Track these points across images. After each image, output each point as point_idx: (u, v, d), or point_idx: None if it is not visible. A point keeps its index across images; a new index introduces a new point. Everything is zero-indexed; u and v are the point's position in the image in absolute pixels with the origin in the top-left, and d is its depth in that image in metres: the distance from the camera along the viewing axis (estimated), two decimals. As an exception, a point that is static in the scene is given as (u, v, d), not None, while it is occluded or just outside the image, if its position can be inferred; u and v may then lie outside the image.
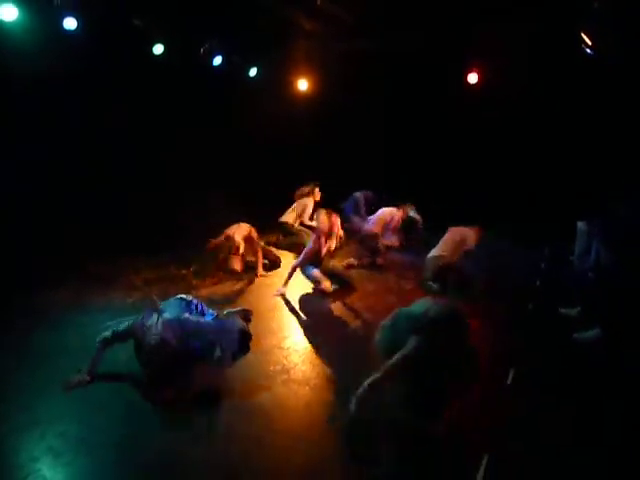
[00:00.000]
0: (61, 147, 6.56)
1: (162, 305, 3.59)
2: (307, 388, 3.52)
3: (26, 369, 3.58)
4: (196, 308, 3.62)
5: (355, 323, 4.76)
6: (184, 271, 5.97)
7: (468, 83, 7.99)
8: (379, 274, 6.35)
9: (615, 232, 4.69)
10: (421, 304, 3.09)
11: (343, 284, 5.76)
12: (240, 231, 6.06)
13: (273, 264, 6.45)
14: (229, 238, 5.98)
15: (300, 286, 5.82)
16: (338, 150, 9.01)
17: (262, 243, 6.51)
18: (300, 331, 4.55)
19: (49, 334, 4.11)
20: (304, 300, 5.34)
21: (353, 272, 6.25)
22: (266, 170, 8.64)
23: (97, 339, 3.48)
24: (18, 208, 6.15)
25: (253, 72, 8.90)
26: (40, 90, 6.24)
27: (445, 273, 5.24)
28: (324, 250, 5.73)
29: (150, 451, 2.82)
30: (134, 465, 2.73)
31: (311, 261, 5.65)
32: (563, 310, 5.08)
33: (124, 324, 3.48)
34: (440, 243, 5.86)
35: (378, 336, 3.16)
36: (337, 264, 6.14)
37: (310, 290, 5.62)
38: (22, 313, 4.54)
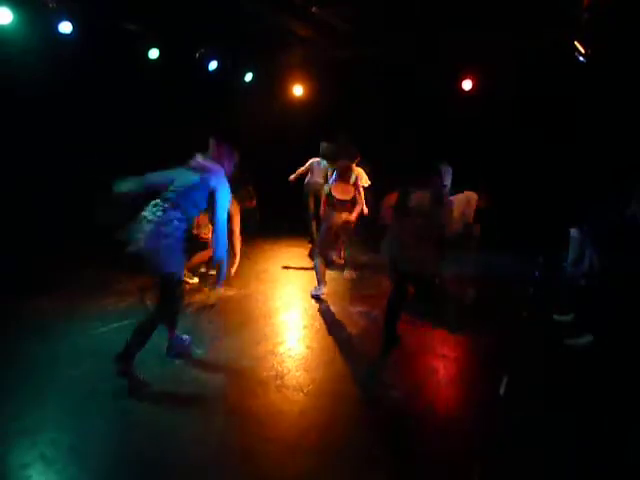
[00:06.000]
0: (56, 151, 6.53)
1: None
2: (301, 394, 3.50)
3: (16, 377, 3.53)
4: None
5: (350, 329, 4.75)
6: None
7: (463, 89, 8.04)
8: (374, 277, 6.36)
9: (606, 237, 4.72)
10: None
11: None
12: None
13: None
14: None
15: (295, 292, 5.82)
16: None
17: None
18: (294, 337, 4.53)
19: (40, 342, 4.06)
20: (298, 306, 5.33)
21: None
22: (262, 178, 8.60)
23: None
24: (10, 213, 6.10)
25: (249, 77, 8.92)
26: (35, 94, 6.21)
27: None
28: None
29: (142, 460, 2.78)
30: (126, 473, 2.70)
31: None
32: (557, 317, 5.10)
33: None
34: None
35: None
36: None
37: (304, 296, 5.62)
38: (12, 320, 4.48)
